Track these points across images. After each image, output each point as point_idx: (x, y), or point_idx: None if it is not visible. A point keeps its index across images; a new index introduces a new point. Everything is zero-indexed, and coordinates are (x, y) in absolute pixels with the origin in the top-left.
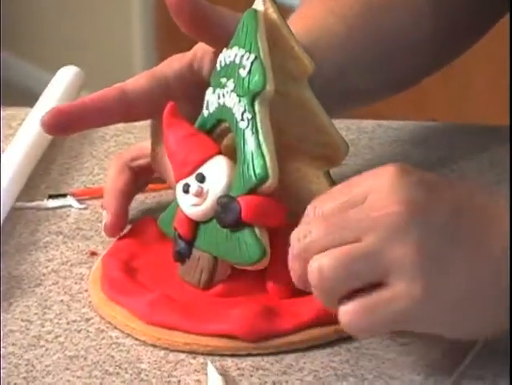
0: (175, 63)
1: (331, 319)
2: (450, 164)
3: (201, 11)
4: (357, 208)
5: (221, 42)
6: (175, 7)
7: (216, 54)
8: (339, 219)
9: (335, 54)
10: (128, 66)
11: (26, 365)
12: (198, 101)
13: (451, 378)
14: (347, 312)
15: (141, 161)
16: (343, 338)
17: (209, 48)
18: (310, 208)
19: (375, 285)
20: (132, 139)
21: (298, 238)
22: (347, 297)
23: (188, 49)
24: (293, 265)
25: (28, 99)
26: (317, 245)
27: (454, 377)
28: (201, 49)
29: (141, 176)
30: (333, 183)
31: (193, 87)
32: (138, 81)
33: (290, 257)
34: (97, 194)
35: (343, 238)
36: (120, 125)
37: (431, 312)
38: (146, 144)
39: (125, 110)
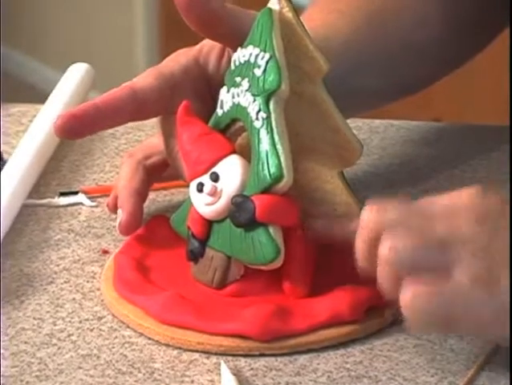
0: (181, 58)
1: (344, 320)
2: (462, 164)
3: (210, 10)
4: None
5: (231, 40)
6: (184, 6)
7: (222, 50)
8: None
9: (343, 55)
10: (131, 62)
11: (39, 363)
12: (206, 97)
13: (464, 379)
14: (411, 289)
15: (154, 159)
16: (357, 340)
17: (216, 44)
18: None
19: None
20: (143, 137)
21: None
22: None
23: (194, 43)
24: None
25: (27, 93)
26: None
27: (467, 379)
28: (208, 44)
29: (154, 175)
30: (347, 183)
31: (200, 82)
32: (146, 79)
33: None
34: (108, 192)
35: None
36: (131, 123)
37: (490, 313)
38: (157, 141)
39: (136, 109)
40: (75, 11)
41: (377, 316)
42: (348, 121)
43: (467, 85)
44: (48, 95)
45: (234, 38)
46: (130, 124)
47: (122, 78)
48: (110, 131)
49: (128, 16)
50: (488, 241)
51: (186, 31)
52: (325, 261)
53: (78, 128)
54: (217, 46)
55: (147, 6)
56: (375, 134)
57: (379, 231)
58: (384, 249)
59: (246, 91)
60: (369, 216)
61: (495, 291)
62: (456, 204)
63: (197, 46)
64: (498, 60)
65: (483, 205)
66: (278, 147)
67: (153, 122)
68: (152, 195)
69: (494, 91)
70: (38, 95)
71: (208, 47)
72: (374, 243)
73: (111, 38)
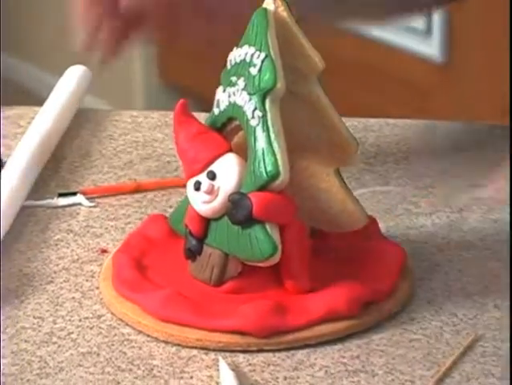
0: None
1: (341, 315)
2: (457, 162)
3: None
4: None
5: None
6: None
7: None
8: None
9: None
10: (127, 64)
11: (39, 361)
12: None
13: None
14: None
15: None
16: (354, 335)
17: None
18: None
19: None
20: (140, 138)
21: None
22: None
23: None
24: None
25: (22, 96)
26: None
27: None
28: None
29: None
30: (343, 181)
31: None
32: None
33: None
34: (107, 192)
35: None
36: (129, 124)
37: None
38: None
39: None
40: (59, 12)
41: (373, 311)
42: (343, 119)
43: (462, 88)
44: (44, 100)
45: None
46: (128, 126)
47: (118, 80)
48: (108, 132)
49: None
50: None
51: None
52: (323, 255)
53: None
54: None
55: None
56: (370, 132)
57: None
58: None
59: (242, 90)
60: None
61: None
62: None
63: None
64: (495, 62)
65: None
66: (275, 145)
67: (151, 123)
68: (150, 195)
69: (489, 91)
70: (35, 100)
71: None
72: None
73: None
